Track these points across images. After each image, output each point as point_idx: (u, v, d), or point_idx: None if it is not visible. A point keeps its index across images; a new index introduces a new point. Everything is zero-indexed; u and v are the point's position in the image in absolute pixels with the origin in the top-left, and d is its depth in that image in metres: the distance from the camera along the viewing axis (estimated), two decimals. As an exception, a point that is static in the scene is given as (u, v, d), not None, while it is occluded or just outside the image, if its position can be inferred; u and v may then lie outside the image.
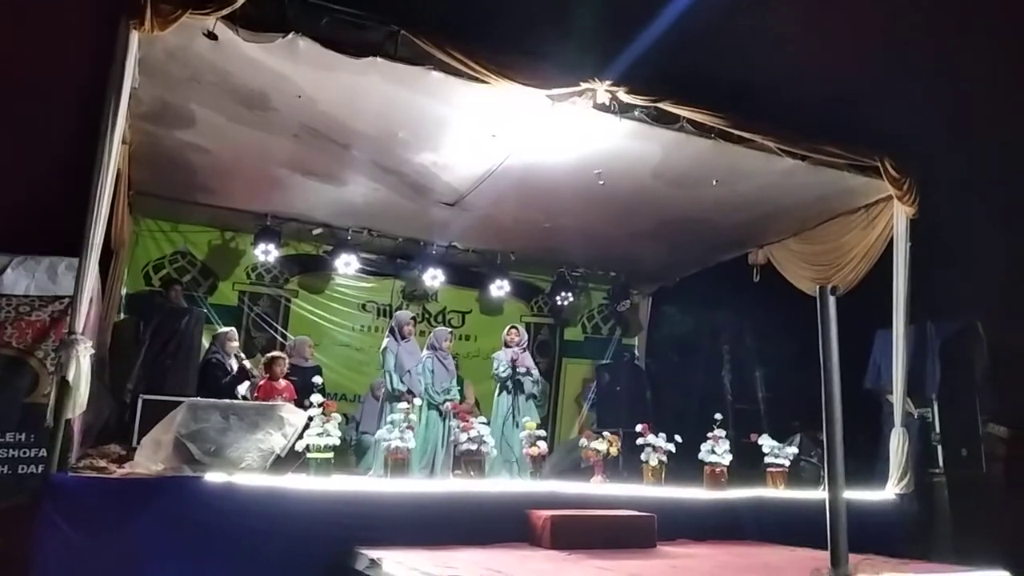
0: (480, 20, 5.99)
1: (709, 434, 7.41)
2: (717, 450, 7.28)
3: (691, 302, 11.33)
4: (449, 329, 9.37)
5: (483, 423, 7.15)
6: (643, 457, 7.33)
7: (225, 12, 5.18)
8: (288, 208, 9.20)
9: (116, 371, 7.25)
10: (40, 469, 5.44)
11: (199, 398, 6.28)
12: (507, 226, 9.55)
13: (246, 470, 5.42)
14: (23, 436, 5.90)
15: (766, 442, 7.60)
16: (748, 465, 7.82)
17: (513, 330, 8.73)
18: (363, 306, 10.65)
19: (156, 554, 4.73)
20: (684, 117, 6.61)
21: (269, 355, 7.93)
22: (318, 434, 5.92)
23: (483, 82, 5.90)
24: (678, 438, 7.41)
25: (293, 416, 5.94)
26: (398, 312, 9.24)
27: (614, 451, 7.58)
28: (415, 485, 6.22)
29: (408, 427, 6.51)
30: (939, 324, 8.19)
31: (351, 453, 8.40)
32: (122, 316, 8.40)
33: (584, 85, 6.18)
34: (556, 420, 11.50)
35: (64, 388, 4.86)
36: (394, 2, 5.78)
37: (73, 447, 5.32)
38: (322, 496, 5.40)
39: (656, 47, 6.22)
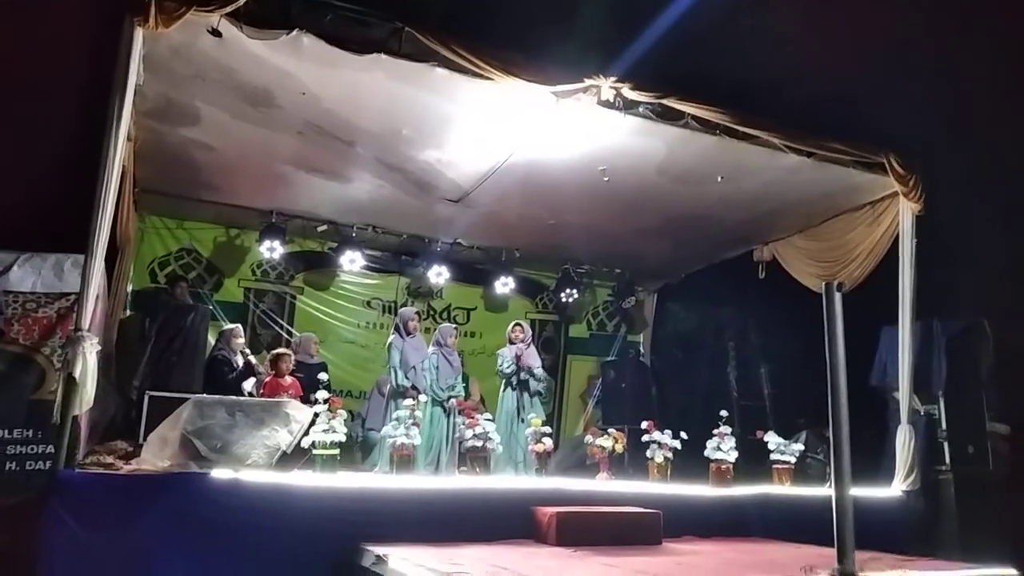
0: (484, 17, 5.98)
1: (715, 431, 7.41)
2: (723, 447, 7.28)
3: (696, 299, 11.32)
4: (454, 326, 9.36)
5: (489, 420, 7.15)
6: (649, 454, 7.33)
7: (229, 9, 5.18)
8: (293, 205, 9.21)
9: (122, 368, 7.27)
10: (47, 466, 5.45)
11: (205, 395, 6.29)
12: (512, 223, 9.54)
13: (252, 467, 5.42)
14: (30, 433, 5.91)
15: (772, 439, 7.59)
16: (754, 462, 7.81)
17: (517, 327, 8.73)
18: (368, 303, 10.66)
19: (162, 550, 4.73)
20: (689, 113, 6.61)
21: (275, 352, 7.95)
22: (324, 431, 5.93)
23: (487, 79, 5.90)
24: (684, 435, 7.40)
25: (299, 413, 5.95)
26: (402, 308, 9.25)
27: (619, 448, 7.57)
28: (421, 482, 6.22)
29: (414, 423, 6.52)
30: (945, 321, 8.17)
31: (357, 450, 8.41)
32: (128, 313, 8.42)
33: (588, 81, 6.17)
34: (561, 417, 11.51)
35: (71, 385, 4.87)
36: (398, -1, 5.79)
37: (80, 444, 5.33)
38: (328, 493, 5.40)
39: (660, 44, 6.22)
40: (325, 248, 10.21)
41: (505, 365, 8.41)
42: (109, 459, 5.64)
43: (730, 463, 7.26)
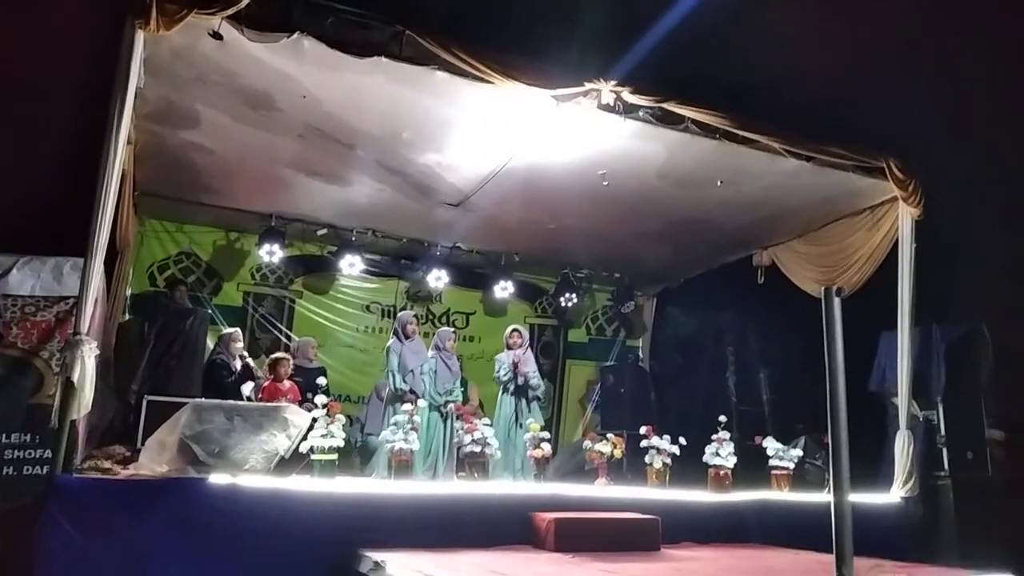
0: (484, 20, 5.99)
1: (713, 436, 7.39)
2: (721, 452, 7.27)
3: (695, 303, 11.31)
4: (452, 329, 9.37)
5: (487, 425, 7.14)
6: (647, 459, 7.31)
7: (230, 12, 5.18)
8: (293, 209, 9.21)
9: (121, 372, 7.25)
10: (45, 470, 5.43)
11: (203, 399, 6.29)
12: (511, 227, 9.54)
13: (250, 472, 5.41)
14: (28, 437, 5.89)
15: (770, 444, 7.58)
16: (752, 468, 7.80)
17: (515, 333, 8.71)
18: (367, 307, 10.66)
19: (160, 556, 4.72)
20: (689, 118, 6.61)
21: (273, 356, 7.95)
22: (322, 436, 5.91)
23: (488, 82, 5.90)
24: (682, 440, 7.39)
25: (297, 417, 5.94)
26: (401, 312, 9.24)
27: (618, 453, 7.56)
28: (419, 487, 6.21)
29: (412, 428, 6.51)
30: (944, 326, 8.17)
31: (355, 455, 8.39)
32: (127, 317, 8.41)
33: (589, 85, 6.17)
34: (560, 422, 11.50)
35: (69, 389, 4.86)
36: (399, 2, 5.78)
37: (78, 448, 5.31)
38: (326, 498, 5.39)
39: (660, 48, 6.23)
40: (324, 252, 10.21)
41: (502, 372, 8.40)
42: (107, 464, 5.63)
43: (729, 469, 7.24)
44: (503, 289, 10.66)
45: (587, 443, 7.79)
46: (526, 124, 6.77)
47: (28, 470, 5.83)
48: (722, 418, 7.55)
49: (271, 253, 9.27)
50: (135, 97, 5.42)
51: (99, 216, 5.12)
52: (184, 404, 5.79)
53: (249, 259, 9.95)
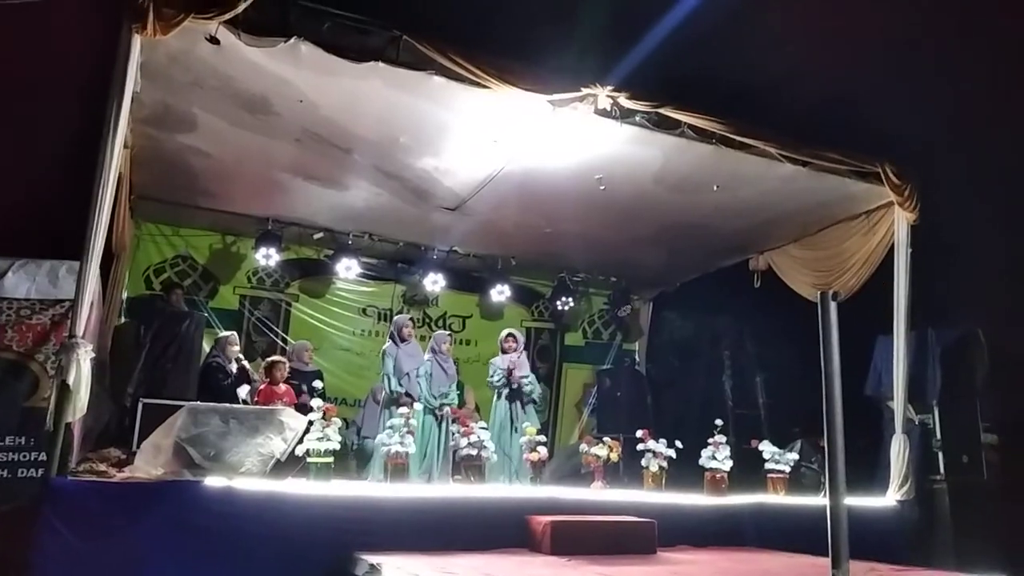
0: (481, 25, 6.00)
1: (710, 440, 7.40)
2: (718, 456, 7.27)
3: (692, 307, 11.32)
4: (448, 332, 9.39)
5: (483, 428, 7.14)
6: (643, 463, 7.32)
7: (227, 16, 5.18)
8: (289, 212, 9.21)
9: (116, 375, 7.25)
10: (40, 473, 5.42)
11: (199, 402, 6.28)
12: (508, 231, 9.55)
13: (246, 475, 5.40)
14: (23, 440, 5.89)
15: (767, 448, 7.59)
16: (749, 471, 7.81)
17: (510, 337, 8.71)
18: (364, 310, 10.65)
19: (156, 559, 4.72)
20: (685, 122, 6.62)
21: (269, 359, 7.95)
22: (318, 439, 5.91)
23: (484, 87, 5.90)
24: (679, 444, 7.39)
25: (293, 420, 5.93)
26: (397, 316, 9.24)
27: (614, 457, 7.56)
28: (415, 490, 6.21)
29: (408, 432, 6.50)
30: (940, 330, 8.19)
31: (352, 458, 8.38)
32: (123, 320, 8.40)
33: (585, 90, 6.18)
34: (556, 425, 11.49)
35: (64, 392, 4.85)
36: (396, 7, 5.79)
37: (73, 451, 5.32)
38: (322, 501, 5.39)
39: (657, 52, 6.24)
40: (321, 255, 10.20)
41: (496, 378, 8.40)
42: (102, 467, 5.62)
43: (725, 472, 7.25)
44: (500, 293, 10.66)
45: (583, 446, 7.79)
46: (523, 129, 6.78)
47: (23, 473, 5.83)
48: (718, 422, 7.57)
49: (267, 256, 9.26)
50: (132, 101, 5.41)
51: (95, 219, 5.10)
52: (180, 407, 5.78)
53: (245, 262, 9.94)
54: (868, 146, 7.34)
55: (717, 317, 11.08)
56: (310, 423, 5.98)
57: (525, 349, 9.44)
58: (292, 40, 5.43)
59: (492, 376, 8.48)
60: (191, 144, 7.26)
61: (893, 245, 7.73)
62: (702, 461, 7.31)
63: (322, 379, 7.86)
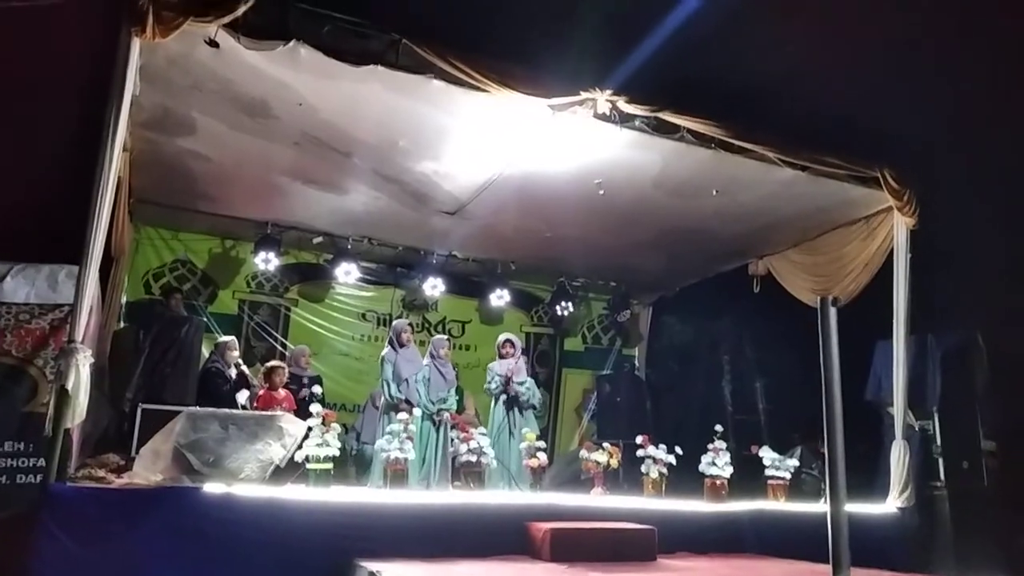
0: (481, 29, 6.00)
1: (709, 446, 7.39)
2: (718, 462, 7.26)
3: (691, 312, 11.31)
4: (446, 337, 9.38)
5: (483, 434, 7.13)
6: (643, 469, 7.30)
7: (227, 20, 5.18)
8: (289, 216, 9.20)
9: (115, 380, 7.23)
10: (38, 479, 5.42)
11: (198, 408, 6.26)
12: (507, 235, 9.55)
13: (245, 481, 5.40)
14: (21, 445, 5.87)
15: (767, 454, 7.58)
16: (749, 477, 7.79)
17: (507, 343, 8.68)
18: (363, 315, 10.64)
19: (155, 565, 4.70)
20: (684, 127, 6.62)
21: (268, 364, 7.94)
22: (317, 445, 5.90)
23: (484, 91, 5.90)
24: (678, 450, 7.38)
25: (292, 426, 5.93)
26: (396, 320, 9.22)
27: (614, 463, 7.55)
28: (415, 497, 6.20)
29: (407, 438, 6.49)
30: (939, 336, 8.18)
31: (351, 464, 8.37)
32: (122, 324, 8.38)
33: (584, 94, 6.18)
34: (556, 431, 11.47)
35: (63, 397, 4.84)
36: (395, 11, 5.79)
37: (72, 457, 5.30)
38: (321, 507, 5.37)
39: (656, 56, 6.23)
40: (320, 260, 10.19)
41: (493, 385, 8.39)
42: (101, 472, 5.59)
43: (725, 478, 7.24)
44: (499, 298, 10.65)
45: (583, 452, 7.77)
46: (522, 133, 6.78)
47: (22, 479, 5.82)
48: (718, 428, 7.56)
49: (267, 261, 9.25)
50: (131, 104, 5.41)
51: (94, 223, 5.10)
52: (179, 412, 5.77)
53: (245, 267, 9.93)
54: (867, 149, 7.34)
55: (716, 322, 11.06)
56: (309, 429, 5.97)
57: (524, 354, 9.44)
58: (291, 43, 5.42)
59: (490, 382, 8.47)
60: (190, 148, 7.25)
61: (892, 250, 7.73)
62: (702, 467, 7.30)
63: (321, 384, 7.85)
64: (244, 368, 8.15)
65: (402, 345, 8.01)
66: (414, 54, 5.71)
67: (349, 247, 9.71)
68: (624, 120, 6.46)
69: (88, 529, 4.64)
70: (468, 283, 10.96)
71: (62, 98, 6.31)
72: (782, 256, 9.43)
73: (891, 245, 7.75)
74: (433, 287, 10.29)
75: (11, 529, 5.11)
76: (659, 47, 6.27)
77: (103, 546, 4.64)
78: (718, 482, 7.22)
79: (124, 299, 8.65)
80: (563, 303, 11.11)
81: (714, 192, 7.83)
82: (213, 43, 5.42)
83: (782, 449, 7.83)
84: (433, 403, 7.79)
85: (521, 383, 8.40)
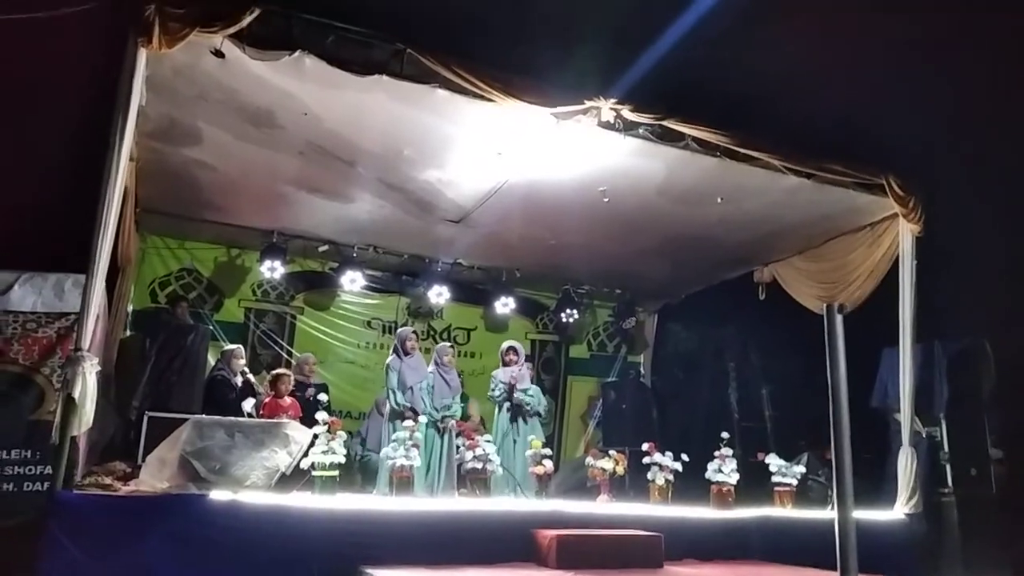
0: (485, 39, 6.01)
1: (716, 453, 7.38)
2: (724, 469, 7.25)
3: (697, 320, 11.31)
4: (450, 344, 9.39)
5: (489, 441, 7.12)
6: (649, 476, 7.29)
7: (232, 30, 5.22)
8: (294, 225, 9.23)
9: (122, 388, 7.25)
10: (45, 486, 5.42)
11: (204, 416, 6.28)
12: (512, 243, 9.56)
13: (251, 488, 5.40)
14: (28, 453, 5.89)
15: (773, 461, 7.56)
16: (755, 484, 7.77)
17: (511, 350, 8.66)
18: (368, 323, 10.66)
19: (161, 572, 4.71)
20: (689, 135, 6.63)
21: (274, 372, 7.95)
22: (323, 452, 5.90)
23: (488, 100, 5.93)
24: (684, 457, 7.36)
25: (298, 434, 5.93)
26: (400, 328, 9.23)
27: (620, 470, 7.53)
28: (420, 504, 6.19)
29: (413, 445, 6.49)
30: (946, 343, 8.16)
31: (357, 471, 8.36)
32: (128, 333, 8.41)
33: (589, 103, 6.21)
34: (562, 438, 11.46)
35: (70, 405, 4.86)
36: (400, 21, 5.81)
37: (78, 464, 5.30)
38: (327, 515, 5.37)
39: (660, 64, 6.24)
40: (326, 268, 10.22)
41: (497, 392, 8.38)
42: (107, 480, 5.61)
43: (731, 485, 7.22)
44: (504, 305, 10.66)
45: (589, 459, 7.75)
46: (526, 142, 6.80)
47: (28, 486, 5.83)
48: (724, 434, 7.54)
49: (272, 269, 9.28)
50: (137, 114, 5.43)
51: (101, 233, 5.13)
52: (185, 420, 5.78)
53: (250, 275, 9.95)
54: (871, 154, 7.33)
55: (722, 329, 11.06)
56: (315, 436, 5.97)
57: (529, 361, 9.42)
58: (296, 53, 5.46)
59: (493, 390, 8.45)
60: (196, 157, 7.28)
61: (898, 257, 7.73)
62: (708, 474, 7.28)
63: (327, 392, 7.85)
64: (250, 376, 8.16)
65: (407, 353, 8.00)
66: (419, 64, 5.73)
67: (354, 255, 9.73)
68: (628, 128, 6.48)
69: (94, 537, 4.64)
70: (473, 291, 10.97)
71: (68, 108, 6.34)
72: (787, 263, 9.43)
73: (896, 252, 7.75)
74: (438, 295, 10.31)
75: (18, 537, 5.13)
76: (663, 55, 6.27)
77: (110, 553, 4.64)
78: (724, 489, 7.20)
79: (130, 308, 8.68)
80: (568, 310, 11.11)
81: (719, 200, 7.84)
82: (219, 53, 5.46)
83: (789, 456, 7.81)
84: (437, 410, 7.78)
85: (525, 390, 8.38)
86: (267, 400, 7.55)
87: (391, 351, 8.27)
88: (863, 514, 6.60)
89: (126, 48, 5.19)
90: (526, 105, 6.02)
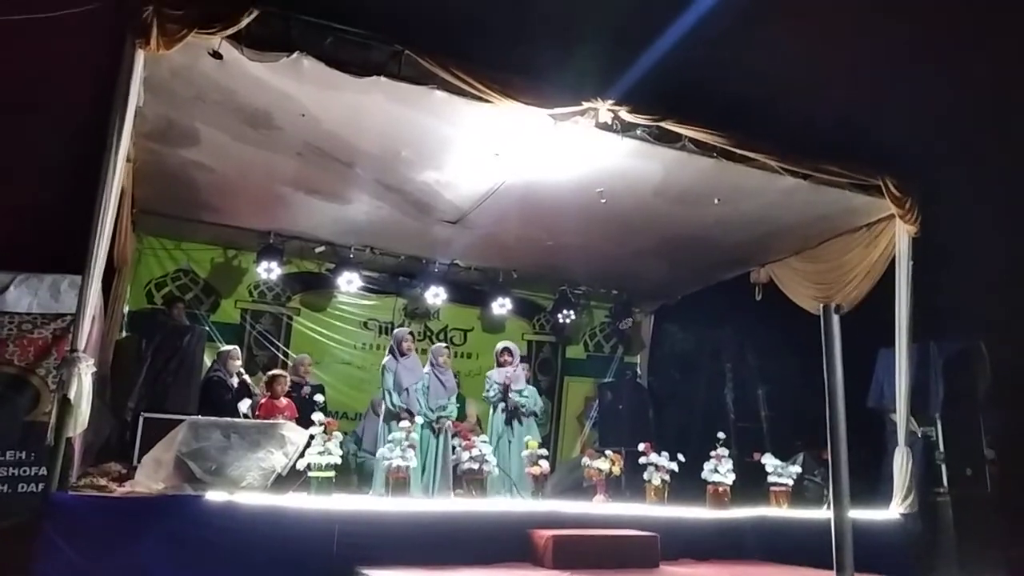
0: (483, 40, 6.02)
1: (712, 453, 7.39)
2: (720, 469, 7.26)
3: (693, 320, 11.32)
4: (445, 344, 9.40)
5: (485, 442, 7.12)
6: (646, 476, 7.30)
7: (230, 31, 5.21)
8: (291, 226, 9.22)
9: (117, 389, 7.24)
10: (40, 488, 5.41)
11: (200, 416, 6.27)
12: (509, 244, 9.56)
13: (247, 489, 5.39)
14: (23, 454, 5.88)
15: (769, 461, 7.57)
16: (751, 484, 7.78)
17: (505, 351, 8.64)
18: (365, 324, 10.65)
19: (156, 573, 4.70)
20: (686, 136, 6.63)
21: (270, 373, 7.94)
22: (319, 453, 5.90)
23: (486, 101, 5.93)
24: (681, 457, 7.38)
25: (294, 435, 5.92)
26: (397, 329, 9.22)
27: (616, 470, 7.53)
28: (416, 504, 6.19)
29: (409, 446, 6.49)
30: (942, 343, 8.18)
31: (353, 472, 8.36)
32: (124, 334, 8.39)
33: (586, 104, 6.21)
34: (558, 439, 11.46)
35: (65, 406, 4.84)
36: (398, 22, 5.81)
37: (73, 465, 5.29)
38: (323, 515, 5.37)
39: (658, 65, 6.24)
40: (323, 269, 10.21)
41: (491, 393, 8.37)
42: (103, 481, 5.60)
43: (727, 485, 7.23)
44: (501, 306, 10.66)
45: (585, 460, 7.76)
46: (524, 143, 6.80)
47: (23, 488, 5.83)
48: (720, 435, 7.55)
49: (269, 270, 9.27)
50: (135, 115, 5.44)
51: (97, 233, 5.11)
52: (181, 421, 5.77)
53: (247, 276, 9.95)
54: (868, 155, 7.34)
55: (718, 330, 11.07)
56: (311, 437, 5.97)
57: (526, 362, 9.41)
58: (295, 55, 5.45)
59: (488, 391, 8.44)
60: (194, 158, 7.27)
61: (894, 257, 7.74)
62: (704, 474, 7.29)
63: (323, 393, 7.84)
64: (246, 377, 8.16)
65: (403, 354, 8.00)
66: (417, 65, 5.73)
67: (351, 256, 9.73)
68: (625, 129, 6.49)
69: (90, 538, 4.63)
70: (470, 291, 10.97)
71: (66, 109, 6.33)
72: (784, 264, 9.44)
73: (893, 252, 7.76)
74: (435, 296, 10.31)
75: (13, 538, 5.12)
76: (660, 56, 6.28)
77: (105, 555, 4.63)
78: (720, 489, 7.21)
79: (126, 309, 8.67)
80: (565, 311, 11.11)
81: (716, 201, 7.85)
82: (217, 55, 5.45)
83: (784, 456, 7.83)
84: (432, 411, 7.78)
85: (520, 391, 8.38)
86: (263, 401, 7.55)
87: (387, 352, 8.27)
88: (859, 514, 6.62)
89: (124, 49, 5.17)
90: (524, 106, 6.02)
